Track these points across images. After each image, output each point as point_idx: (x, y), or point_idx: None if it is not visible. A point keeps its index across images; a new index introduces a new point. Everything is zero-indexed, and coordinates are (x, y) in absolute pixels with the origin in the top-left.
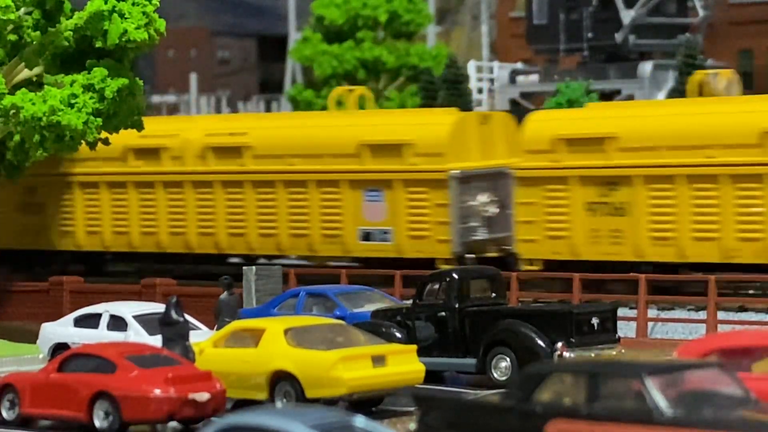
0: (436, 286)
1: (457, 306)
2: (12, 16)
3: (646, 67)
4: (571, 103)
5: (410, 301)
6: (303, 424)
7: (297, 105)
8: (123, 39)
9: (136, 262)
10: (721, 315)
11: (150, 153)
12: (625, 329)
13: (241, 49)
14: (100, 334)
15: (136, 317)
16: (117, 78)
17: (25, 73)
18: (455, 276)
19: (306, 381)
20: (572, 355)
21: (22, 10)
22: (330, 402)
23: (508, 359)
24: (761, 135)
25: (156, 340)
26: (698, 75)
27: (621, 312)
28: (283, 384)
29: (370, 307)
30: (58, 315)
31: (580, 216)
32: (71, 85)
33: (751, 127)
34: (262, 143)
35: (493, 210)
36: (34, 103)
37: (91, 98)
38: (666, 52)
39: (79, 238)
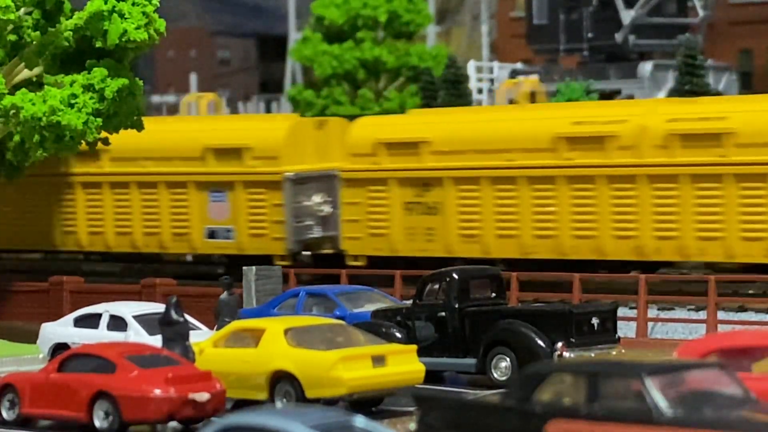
0: (436, 286)
1: (457, 306)
2: (12, 16)
3: (646, 67)
4: None
5: (410, 301)
6: (303, 424)
7: (297, 105)
8: (123, 39)
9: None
10: (721, 315)
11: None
12: (625, 329)
13: (241, 49)
14: (100, 334)
15: (136, 317)
16: (117, 78)
17: (25, 73)
18: (455, 276)
19: (306, 381)
20: (572, 355)
21: (22, 10)
22: (330, 402)
23: (508, 359)
24: (553, 140)
25: (156, 340)
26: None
27: (621, 312)
28: (283, 384)
29: (370, 307)
30: (58, 315)
31: (398, 215)
32: (71, 85)
33: (545, 133)
34: (119, 147)
35: (327, 209)
36: (34, 103)
37: (91, 98)
38: (666, 52)
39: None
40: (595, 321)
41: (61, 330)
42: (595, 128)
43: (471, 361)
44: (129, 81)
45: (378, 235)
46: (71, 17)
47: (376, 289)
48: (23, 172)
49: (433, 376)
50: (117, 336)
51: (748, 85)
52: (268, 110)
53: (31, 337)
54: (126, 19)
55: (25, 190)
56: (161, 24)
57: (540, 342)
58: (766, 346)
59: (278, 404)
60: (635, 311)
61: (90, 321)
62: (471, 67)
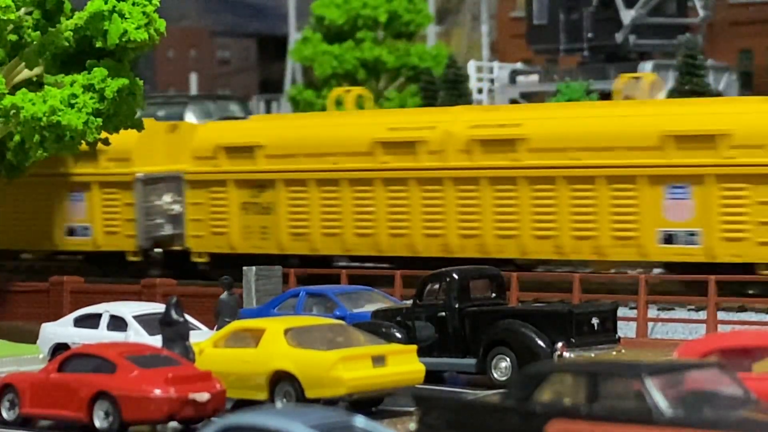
0: (436, 286)
1: (457, 306)
2: (12, 16)
3: (646, 67)
4: None
5: (410, 301)
6: (303, 424)
7: (297, 105)
8: (123, 39)
9: None
10: (721, 315)
11: None
12: (625, 329)
13: (241, 49)
14: (100, 334)
15: (136, 317)
16: (117, 78)
17: (25, 73)
18: (455, 276)
19: (306, 381)
20: (572, 355)
21: (22, 10)
22: (330, 402)
23: (508, 359)
24: (371, 145)
25: (156, 340)
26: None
27: (621, 312)
28: (283, 384)
29: (370, 307)
30: (58, 315)
31: (236, 215)
32: (71, 85)
33: (364, 138)
34: None
35: (177, 209)
36: (34, 103)
37: (91, 98)
38: (666, 52)
39: None
40: (595, 321)
41: (61, 330)
42: (407, 134)
43: (471, 361)
44: (129, 81)
45: (219, 234)
46: (71, 17)
47: (376, 289)
48: (23, 172)
49: (433, 376)
50: (117, 336)
51: (748, 85)
52: (268, 110)
53: (31, 337)
54: (126, 19)
55: None
56: (161, 24)
57: (540, 342)
58: (766, 346)
59: (278, 404)
60: (635, 311)
61: (90, 321)
62: (471, 67)
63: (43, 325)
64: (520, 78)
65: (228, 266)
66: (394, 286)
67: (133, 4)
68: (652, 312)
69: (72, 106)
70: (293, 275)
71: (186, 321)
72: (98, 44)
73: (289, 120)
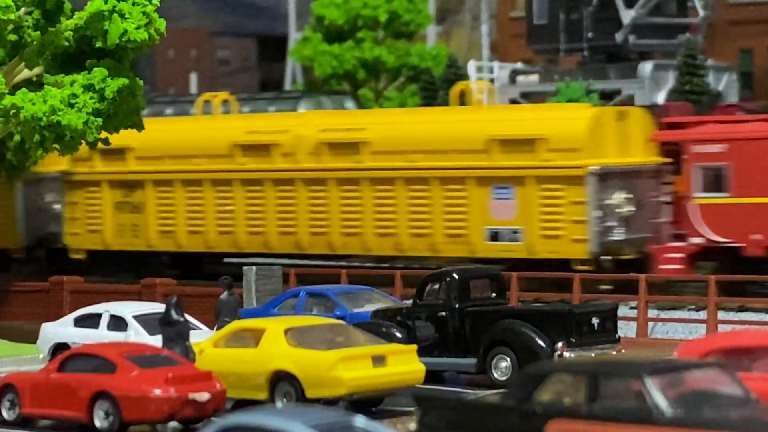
0: (436, 286)
1: (457, 306)
2: (12, 16)
3: (646, 67)
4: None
5: (410, 301)
6: (303, 424)
7: None
8: (123, 39)
9: None
10: (721, 315)
11: None
12: (625, 329)
13: (241, 49)
14: (100, 334)
15: (136, 317)
16: (117, 78)
17: (25, 73)
18: (455, 276)
19: (306, 381)
20: (572, 355)
21: (22, 10)
22: (330, 402)
23: (508, 359)
24: (230, 147)
25: (156, 340)
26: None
27: (621, 312)
28: (283, 384)
29: (370, 307)
30: (58, 315)
31: (109, 214)
32: (71, 85)
33: (225, 141)
34: None
35: (58, 208)
36: (34, 103)
37: (91, 98)
38: (666, 52)
39: None
40: (595, 321)
41: (61, 330)
42: (263, 137)
43: (471, 361)
44: (129, 81)
45: (94, 231)
46: (71, 17)
47: (376, 289)
48: (23, 172)
49: (433, 376)
50: (117, 336)
51: (748, 85)
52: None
53: (31, 337)
54: (126, 19)
55: None
56: (161, 24)
57: (540, 342)
58: (766, 346)
59: (278, 404)
60: (635, 311)
61: (90, 321)
62: (471, 67)
63: (43, 325)
64: (520, 78)
65: (103, 263)
66: (394, 286)
67: (133, 4)
68: (652, 312)
69: (72, 106)
70: (293, 275)
71: (186, 321)
72: (98, 44)
73: (157, 124)
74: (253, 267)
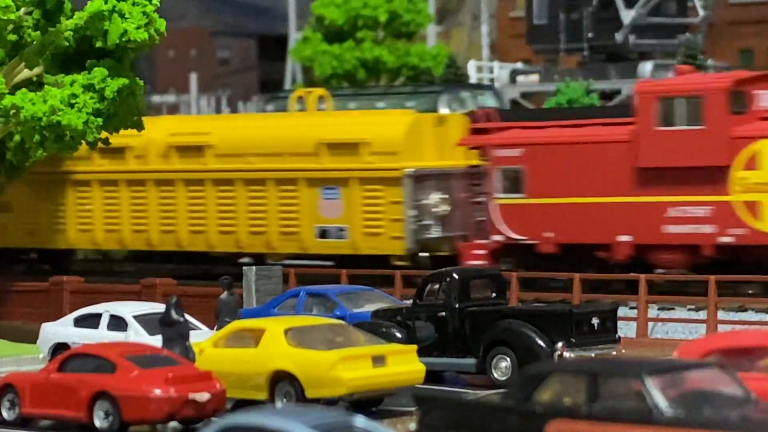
0: (436, 286)
1: (457, 306)
2: (12, 16)
3: (646, 67)
4: (571, 103)
5: (410, 301)
6: (303, 424)
7: None
8: (123, 39)
9: None
10: (721, 315)
11: None
12: (625, 329)
13: (241, 49)
14: (100, 334)
15: (136, 317)
16: (117, 78)
17: (25, 73)
18: (455, 276)
19: (306, 381)
20: (572, 355)
21: (22, 10)
22: (330, 402)
23: (508, 359)
24: (88, 150)
25: (156, 340)
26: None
27: (621, 312)
28: (283, 384)
29: (370, 307)
30: (58, 315)
31: None
32: (71, 85)
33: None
34: None
35: None
36: (34, 103)
37: (91, 98)
38: (666, 52)
39: None
40: (595, 321)
41: (61, 330)
42: (118, 140)
43: (471, 361)
44: (129, 81)
45: None
46: (71, 17)
47: (376, 289)
48: (23, 172)
49: (433, 376)
50: (117, 336)
51: None
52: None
53: (31, 337)
54: (126, 19)
55: None
56: (161, 24)
57: (540, 342)
58: (766, 346)
59: (278, 404)
60: (635, 311)
61: (90, 321)
62: (471, 67)
63: (43, 325)
64: (520, 78)
65: None
66: (394, 286)
67: (133, 4)
68: (652, 312)
69: (72, 106)
70: (293, 275)
71: (186, 321)
72: (98, 44)
73: None
74: (253, 267)
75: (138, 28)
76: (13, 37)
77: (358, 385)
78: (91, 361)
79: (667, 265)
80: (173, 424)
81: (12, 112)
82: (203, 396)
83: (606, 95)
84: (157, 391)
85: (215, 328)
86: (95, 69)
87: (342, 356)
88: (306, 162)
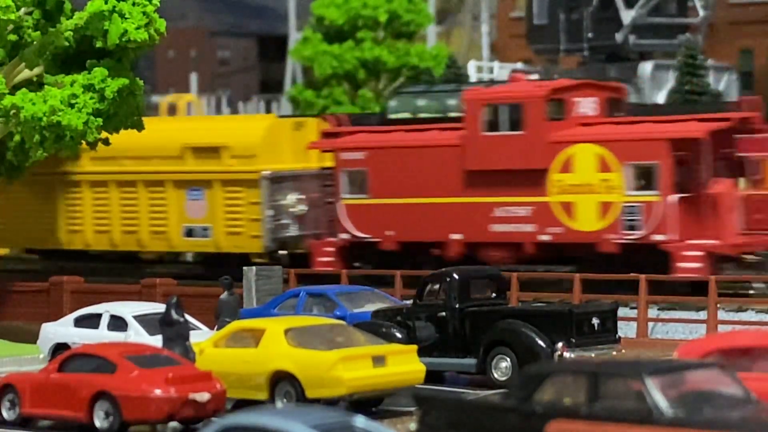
0: (436, 286)
1: (457, 306)
2: (12, 16)
3: (646, 67)
4: None
5: (410, 301)
6: (303, 424)
7: (297, 105)
8: (123, 39)
9: None
10: (721, 315)
11: None
12: (625, 329)
13: (241, 49)
14: (100, 334)
15: (136, 317)
16: (117, 78)
17: (25, 73)
18: (455, 276)
19: (306, 381)
20: (572, 355)
21: (23, 10)
22: (330, 402)
23: (508, 359)
24: None
25: (156, 340)
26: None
27: (621, 312)
28: (284, 384)
29: (370, 307)
30: (58, 315)
31: None
32: (71, 85)
33: None
34: None
35: None
36: (34, 103)
37: (91, 98)
38: (666, 52)
39: None
40: (595, 321)
41: (61, 330)
42: None
43: (471, 361)
44: (129, 81)
45: None
46: (71, 17)
47: (376, 289)
48: (23, 172)
49: (433, 376)
50: (117, 336)
51: (748, 85)
52: (268, 111)
53: (31, 337)
54: (126, 19)
55: None
56: (161, 24)
57: (540, 342)
58: (766, 346)
59: (278, 404)
60: (635, 311)
61: (90, 321)
62: (471, 67)
63: (43, 325)
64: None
65: None
66: (394, 286)
67: (133, 4)
68: (652, 312)
69: (72, 106)
70: (293, 275)
71: (186, 321)
72: (98, 44)
73: None
74: (253, 267)
75: (138, 28)
76: (13, 37)
77: (358, 385)
78: (92, 361)
79: (494, 261)
80: (173, 424)
81: (12, 112)
82: (203, 396)
83: None
84: (158, 391)
85: (215, 328)
86: (95, 69)
87: (342, 356)
88: (173, 165)
